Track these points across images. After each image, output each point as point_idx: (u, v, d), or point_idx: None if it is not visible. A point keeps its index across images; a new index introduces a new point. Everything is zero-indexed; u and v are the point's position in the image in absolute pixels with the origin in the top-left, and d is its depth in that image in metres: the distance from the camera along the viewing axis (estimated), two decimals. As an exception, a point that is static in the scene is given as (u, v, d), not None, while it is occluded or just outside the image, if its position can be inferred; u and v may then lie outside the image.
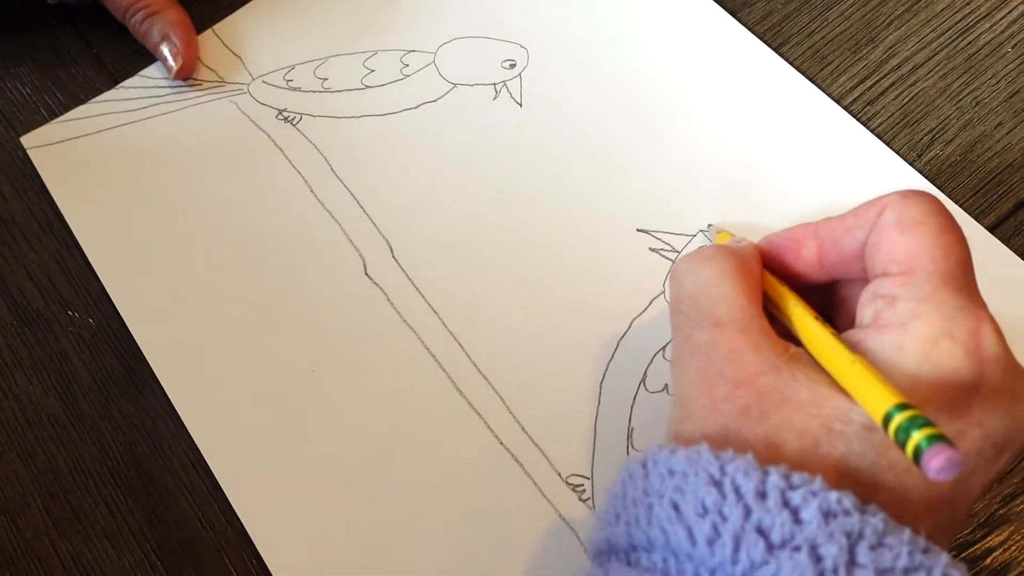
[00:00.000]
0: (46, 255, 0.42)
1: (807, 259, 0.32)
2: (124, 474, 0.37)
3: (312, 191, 0.42)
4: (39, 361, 0.40)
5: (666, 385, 0.36)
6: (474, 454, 0.36)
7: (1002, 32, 0.43)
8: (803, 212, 0.39)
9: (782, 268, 0.33)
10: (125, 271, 0.41)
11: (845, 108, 0.42)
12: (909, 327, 0.27)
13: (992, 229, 0.38)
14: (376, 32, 0.47)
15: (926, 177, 0.40)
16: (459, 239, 0.40)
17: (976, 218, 0.39)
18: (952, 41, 0.43)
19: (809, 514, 0.24)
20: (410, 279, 0.40)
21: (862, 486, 0.26)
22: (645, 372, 0.37)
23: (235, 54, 0.47)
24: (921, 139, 0.41)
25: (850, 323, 0.30)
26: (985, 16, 0.44)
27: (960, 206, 0.39)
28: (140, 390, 0.39)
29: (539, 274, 0.39)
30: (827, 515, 0.24)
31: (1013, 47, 0.43)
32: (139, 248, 0.41)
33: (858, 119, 0.41)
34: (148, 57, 0.47)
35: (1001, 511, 0.34)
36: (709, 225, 0.39)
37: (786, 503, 0.24)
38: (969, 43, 0.43)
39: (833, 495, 0.24)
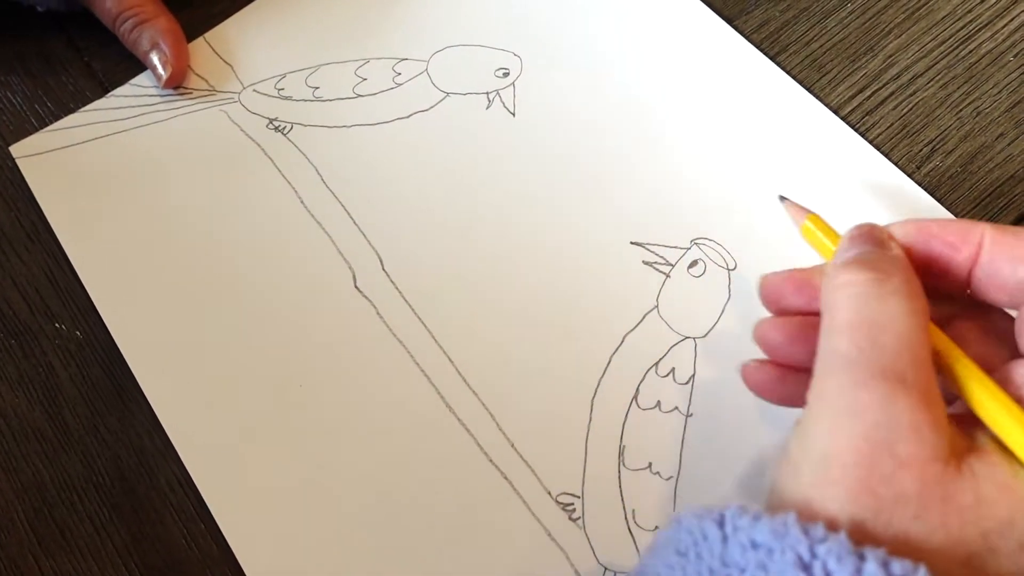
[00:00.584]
0: (34, 266, 0.42)
1: (959, 269, 0.27)
2: (109, 490, 0.37)
3: (302, 202, 0.42)
4: (25, 374, 0.39)
5: (658, 402, 0.36)
6: (462, 470, 0.35)
7: (1003, 41, 0.42)
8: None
9: (925, 277, 0.27)
10: (113, 283, 0.40)
11: (843, 118, 0.41)
12: None
13: (992, 243, 0.38)
14: (368, 40, 0.46)
15: (926, 189, 0.39)
16: (450, 251, 0.40)
17: (976, 231, 0.38)
18: (953, 50, 0.42)
19: None
20: (400, 292, 0.39)
21: None
22: (637, 389, 0.36)
23: (226, 62, 0.46)
24: (921, 150, 0.40)
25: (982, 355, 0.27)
26: (986, 25, 0.43)
27: (960, 218, 0.38)
28: (127, 404, 0.38)
29: (531, 287, 0.39)
30: None
31: (1015, 56, 0.42)
32: (127, 260, 0.41)
33: (856, 129, 0.41)
34: (139, 65, 0.46)
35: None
36: (783, 198, 0.34)
37: None
38: (970, 52, 0.42)
39: None
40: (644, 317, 0.37)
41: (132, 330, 0.39)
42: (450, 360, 0.37)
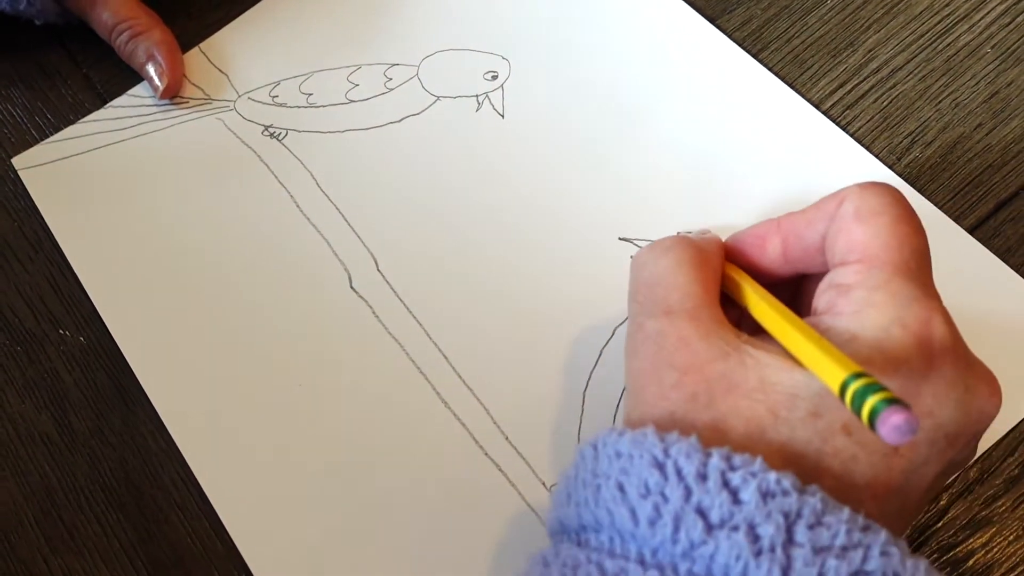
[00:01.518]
0: (37, 275, 0.43)
1: (772, 254, 0.32)
2: (115, 491, 0.38)
3: (298, 206, 0.43)
4: (31, 380, 0.40)
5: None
6: (459, 464, 0.36)
7: (980, 33, 0.43)
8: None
9: (749, 264, 0.33)
10: (115, 289, 0.41)
11: (824, 113, 0.42)
12: (862, 314, 0.28)
13: (972, 231, 0.39)
14: (359, 46, 0.47)
15: (906, 180, 0.40)
16: (443, 251, 0.41)
17: (956, 220, 0.39)
18: (931, 43, 0.43)
19: (748, 495, 0.24)
20: (395, 292, 0.40)
21: (806, 472, 0.26)
22: (627, 380, 0.37)
23: (221, 71, 0.47)
24: (901, 142, 0.41)
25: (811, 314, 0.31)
26: (963, 18, 0.44)
27: (940, 208, 0.39)
28: (130, 407, 0.39)
29: (522, 284, 0.39)
30: (765, 495, 0.24)
31: (992, 48, 0.43)
32: (129, 266, 0.42)
33: (837, 123, 0.41)
34: (136, 76, 0.47)
35: (983, 513, 0.34)
36: (693, 233, 0.39)
37: (726, 484, 0.25)
38: (948, 45, 0.43)
39: (772, 476, 0.24)
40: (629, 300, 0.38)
41: (135, 335, 0.40)
42: (444, 356, 0.38)
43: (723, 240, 0.34)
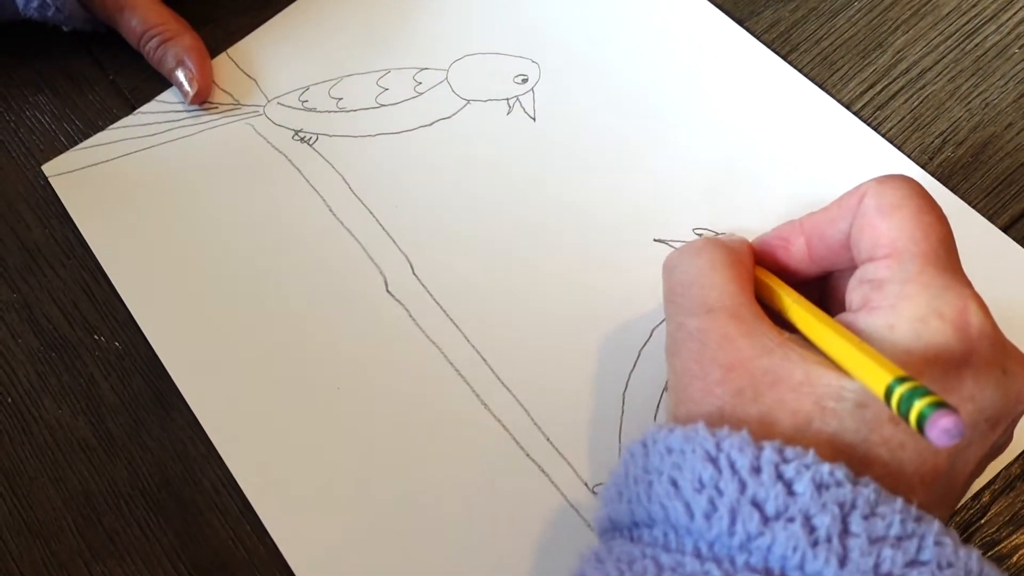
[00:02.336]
0: (71, 281, 0.43)
1: (797, 255, 0.33)
2: (155, 495, 0.38)
3: (331, 210, 0.43)
4: (67, 386, 0.40)
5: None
6: (501, 466, 0.36)
7: (1008, 33, 0.44)
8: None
9: (775, 266, 0.33)
10: (149, 294, 0.41)
11: (855, 113, 0.42)
12: (898, 308, 0.28)
13: (1006, 229, 0.39)
14: (389, 51, 0.47)
15: (938, 180, 0.40)
16: (478, 254, 0.41)
17: (990, 219, 0.39)
18: (959, 44, 0.44)
19: (802, 486, 0.25)
20: (431, 295, 0.40)
21: (855, 461, 0.26)
22: (667, 381, 0.37)
23: (250, 77, 0.47)
24: (932, 142, 0.41)
25: (842, 310, 0.31)
26: (991, 18, 0.44)
27: (973, 207, 0.39)
28: (168, 412, 0.39)
29: (559, 286, 0.40)
30: (820, 487, 0.24)
31: (1020, 48, 0.43)
32: (162, 271, 0.42)
33: (869, 124, 0.42)
34: (164, 82, 0.47)
35: (1025, 509, 0.34)
36: (694, 230, 0.40)
37: (780, 476, 0.25)
38: (976, 45, 0.43)
39: (825, 467, 0.25)
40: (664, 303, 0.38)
41: (170, 339, 0.40)
42: (483, 359, 0.38)
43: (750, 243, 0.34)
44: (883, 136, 0.41)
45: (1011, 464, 0.34)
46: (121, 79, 0.49)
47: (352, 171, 0.44)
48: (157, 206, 0.44)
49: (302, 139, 0.45)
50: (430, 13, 0.48)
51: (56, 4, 0.45)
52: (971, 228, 0.39)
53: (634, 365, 0.38)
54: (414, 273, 0.41)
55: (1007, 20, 0.44)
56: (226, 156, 0.45)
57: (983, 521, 0.34)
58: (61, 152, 0.46)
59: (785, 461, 0.25)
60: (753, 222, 0.40)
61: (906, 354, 0.27)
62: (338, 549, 0.35)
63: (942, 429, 0.23)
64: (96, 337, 0.41)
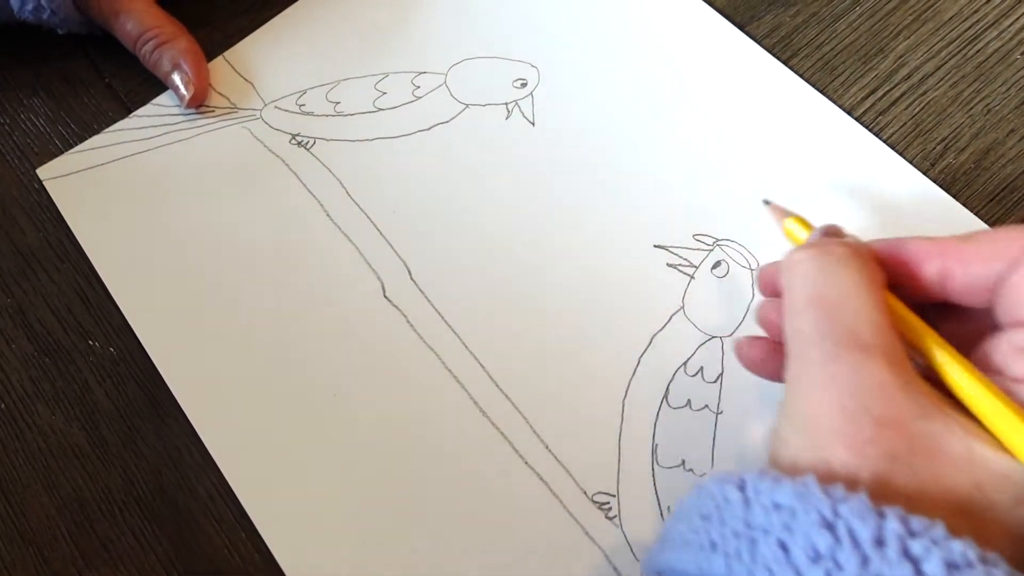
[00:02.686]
0: (65, 286, 0.42)
1: (929, 277, 0.29)
2: (150, 503, 0.37)
3: (328, 215, 0.42)
4: (61, 391, 0.40)
5: (688, 401, 0.36)
6: (499, 474, 0.36)
7: (1010, 39, 0.43)
8: (819, 223, 0.39)
9: (896, 282, 0.29)
10: (145, 299, 0.41)
11: (857, 119, 0.42)
12: None
13: (1008, 236, 0.39)
14: (386, 55, 0.47)
15: (941, 186, 0.40)
16: (476, 259, 0.41)
17: (992, 225, 0.39)
18: (961, 50, 0.43)
19: (932, 567, 0.22)
20: (429, 300, 0.40)
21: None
22: (667, 388, 0.37)
23: (247, 80, 0.47)
24: (934, 148, 0.41)
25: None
26: (992, 24, 0.44)
27: (976, 213, 0.39)
28: (163, 419, 0.39)
29: (557, 292, 0.39)
30: (951, 567, 0.22)
31: (1022, 54, 0.43)
32: (158, 276, 0.42)
33: (871, 130, 0.41)
34: (160, 85, 0.47)
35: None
36: (766, 202, 0.37)
37: (906, 552, 0.22)
38: (978, 51, 0.43)
39: (956, 545, 0.22)
40: (671, 318, 0.38)
41: (166, 345, 0.40)
42: (481, 366, 0.38)
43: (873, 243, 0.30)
44: (885, 142, 0.41)
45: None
46: (117, 82, 0.48)
47: (349, 175, 0.43)
48: (153, 210, 0.43)
49: (299, 143, 0.45)
50: (428, 17, 0.48)
51: (51, 7, 0.45)
52: (973, 235, 0.38)
53: (634, 372, 0.37)
54: (412, 278, 0.40)
55: (1009, 26, 0.44)
56: (223, 160, 0.45)
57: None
58: (56, 155, 0.46)
59: (911, 535, 0.22)
60: (753, 227, 0.40)
61: None
62: (333, 557, 0.35)
63: None
64: (90, 342, 0.41)
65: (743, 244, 0.39)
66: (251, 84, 0.47)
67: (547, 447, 0.36)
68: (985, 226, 0.39)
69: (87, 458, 0.39)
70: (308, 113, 0.46)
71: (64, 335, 0.41)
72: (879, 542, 0.22)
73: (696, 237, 0.40)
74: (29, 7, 0.45)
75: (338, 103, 0.46)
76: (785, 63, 0.44)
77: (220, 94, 0.47)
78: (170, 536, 0.37)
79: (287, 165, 0.44)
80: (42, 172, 0.45)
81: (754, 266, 0.39)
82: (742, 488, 0.25)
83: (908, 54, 0.44)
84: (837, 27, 0.45)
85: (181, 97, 0.46)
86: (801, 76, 0.43)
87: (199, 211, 0.43)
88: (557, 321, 0.39)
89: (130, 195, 0.44)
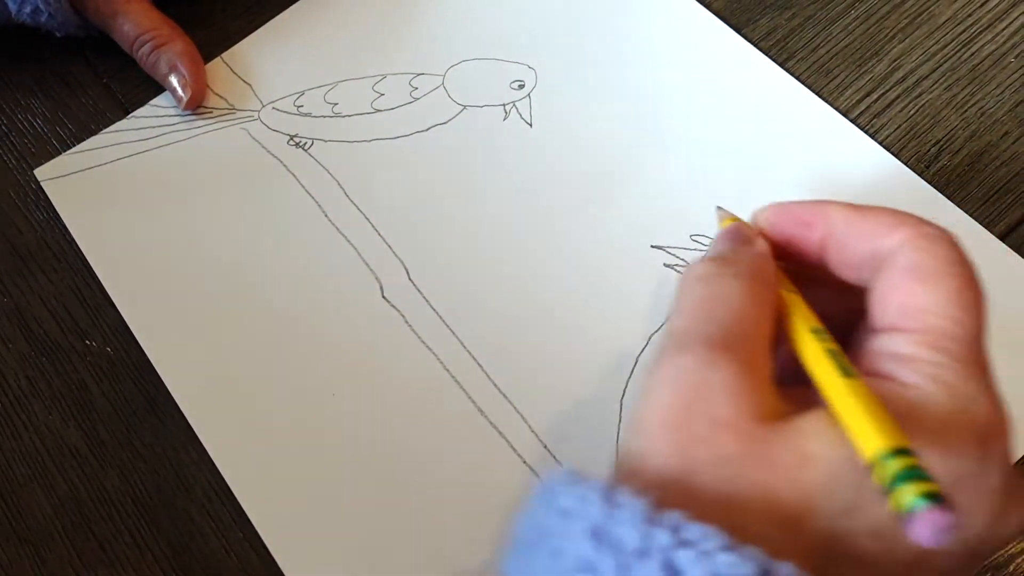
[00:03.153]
0: (62, 285, 0.42)
1: (813, 245, 0.28)
2: (147, 503, 0.37)
3: (326, 215, 0.43)
4: (58, 391, 0.40)
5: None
6: (498, 474, 0.36)
7: (1004, 43, 0.44)
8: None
9: (784, 255, 0.29)
10: (142, 299, 0.41)
11: (852, 121, 0.42)
12: (925, 393, 0.24)
13: (1003, 237, 0.39)
14: (384, 56, 0.47)
15: (935, 187, 0.40)
16: (474, 260, 0.41)
17: (986, 226, 0.39)
18: (955, 53, 0.44)
19: None
20: (427, 300, 0.40)
21: (822, 566, 0.23)
22: (665, 388, 0.37)
23: (245, 81, 0.47)
24: (929, 150, 0.41)
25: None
26: (987, 27, 0.44)
27: (970, 215, 0.39)
28: (160, 418, 0.39)
29: (556, 293, 0.39)
30: None
31: (1016, 57, 0.43)
32: (155, 276, 0.42)
33: (866, 132, 0.42)
34: (158, 86, 0.47)
35: None
36: (719, 208, 0.38)
37: (668, 565, 0.21)
38: (972, 54, 0.44)
39: (725, 558, 0.20)
40: (668, 318, 0.38)
41: (163, 345, 0.40)
42: (480, 366, 0.38)
43: (757, 218, 0.30)
44: (880, 144, 0.41)
45: (1010, 472, 0.34)
46: (115, 83, 0.48)
47: (348, 176, 0.44)
48: (150, 211, 0.43)
49: (297, 144, 0.45)
50: (427, 18, 0.48)
51: (49, 10, 0.45)
52: (968, 236, 0.38)
53: (631, 371, 0.37)
54: (410, 279, 0.41)
55: (1003, 29, 0.44)
56: (220, 161, 0.45)
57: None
58: (54, 156, 0.46)
59: (682, 544, 0.21)
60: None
61: (920, 447, 0.23)
62: (332, 557, 0.35)
63: (934, 526, 0.20)
64: (88, 342, 0.41)
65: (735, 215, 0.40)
66: (249, 85, 0.47)
67: (546, 447, 0.36)
68: (980, 227, 0.39)
69: (84, 458, 0.39)
70: (306, 114, 0.46)
71: (61, 335, 0.41)
72: (643, 553, 0.21)
73: (693, 238, 0.40)
74: (27, 9, 0.45)
75: (336, 104, 0.46)
76: (781, 65, 0.44)
77: (218, 95, 0.47)
78: (167, 536, 0.37)
79: (285, 166, 0.44)
80: (40, 173, 0.45)
81: (751, 267, 0.39)
82: (544, 492, 0.24)
83: (903, 57, 0.44)
84: (833, 30, 0.45)
85: (178, 99, 0.46)
86: (797, 78, 0.43)
87: (197, 212, 0.43)
88: (555, 321, 0.39)
89: (128, 196, 0.44)
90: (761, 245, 0.29)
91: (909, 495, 0.21)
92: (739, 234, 0.30)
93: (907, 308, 0.25)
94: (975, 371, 0.25)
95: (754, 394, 0.24)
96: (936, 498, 0.20)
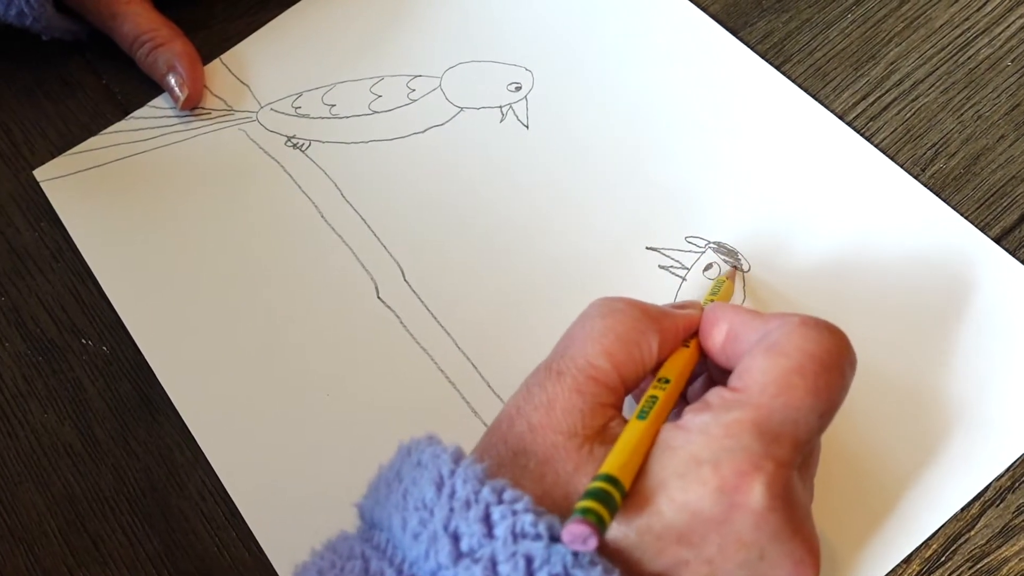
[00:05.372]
0: (59, 285, 0.43)
1: (716, 341, 0.31)
2: (141, 501, 0.37)
3: (323, 216, 0.43)
4: (53, 390, 0.40)
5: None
6: (490, 474, 0.36)
7: (1001, 47, 0.44)
8: (810, 227, 0.40)
9: (703, 343, 0.32)
10: (138, 299, 0.41)
11: (848, 124, 0.42)
12: (690, 437, 0.27)
13: (998, 240, 0.39)
14: (382, 58, 0.47)
15: (931, 191, 0.40)
16: (469, 261, 0.41)
17: (982, 230, 0.39)
18: (952, 56, 0.44)
19: (501, 530, 0.25)
20: (422, 301, 0.40)
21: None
22: (658, 389, 0.37)
23: (243, 82, 0.47)
24: (924, 153, 0.41)
25: None
26: (984, 31, 0.44)
27: (966, 218, 0.39)
28: (155, 417, 0.39)
29: (551, 294, 0.39)
30: (516, 535, 0.25)
31: (1012, 61, 0.43)
32: (152, 276, 0.42)
33: (862, 135, 0.42)
34: (157, 87, 0.47)
35: (1015, 521, 0.34)
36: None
37: (487, 516, 0.25)
38: (969, 58, 0.44)
39: (528, 518, 0.25)
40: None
41: (159, 343, 0.40)
42: (474, 366, 0.38)
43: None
44: (876, 147, 0.41)
45: (1001, 476, 0.34)
46: (114, 84, 0.49)
47: (344, 177, 0.44)
48: (148, 211, 0.44)
49: (295, 145, 0.45)
50: (424, 20, 0.48)
51: (33, 14, 0.45)
52: (963, 239, 0.39)
53: (625, 373, 0.37)
54: (405, 279, 0.41)
55: (1000, 33, 0.44)
56: (218, 161, 0.45)
57: (972, 533, 0.34)
58: (53, 156, 0.46)
59: (499, 503, 0.25)
60: (746, 230, 0.40)
61: (660, 484, 0.27)
62: (324, 556, 0.35)
63: (570, 531, 0.24)
64: (84, 341, 0.41)
65: (735, 247, 0.40)
66: (247, 87, 0.47)
67: (538, 447, 0.36)
68: (976, 231, 0.39)
69: (78, 456, 0.39)
70: (304, 115, 0.46)
71: (57, 334, 0.41)
72: (468, 503, 0.26)
73: (688, 239, 0.40)
74: (12, 12, 0.45)
75: (334, 106, 0.46)
76: (778, 68, 0.44)
77: (216, 96, 0.47)
78: (160, 534, 0.37)
79: (282, 167, 0.44)
80: (39, 173, 0.45)
81: (746, 269, 0.39)
82: (410, 448, 0.28)
83: (900, 60, 0.44)
84: (829, 33, 0.45)
85: (176, 99, 0.46)
86: (794, 81, 0.44)
87: (194, 212, 0.43)
88: (549, 322, 0.39)
89: (126, 196, 0.44)
90: (686, 313, 0.33)
91: (577, 505, 0.25)
92: (682, 304, 0.34)
93: (741, 371, 0.29)
94: (748, 437, 0.27)
95: (566, 413, 0.28)
96: (591, 515, 0.24)
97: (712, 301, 0.34)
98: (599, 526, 0.24)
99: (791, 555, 0.27)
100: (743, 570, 0.27)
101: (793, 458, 0.27)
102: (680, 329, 0.32)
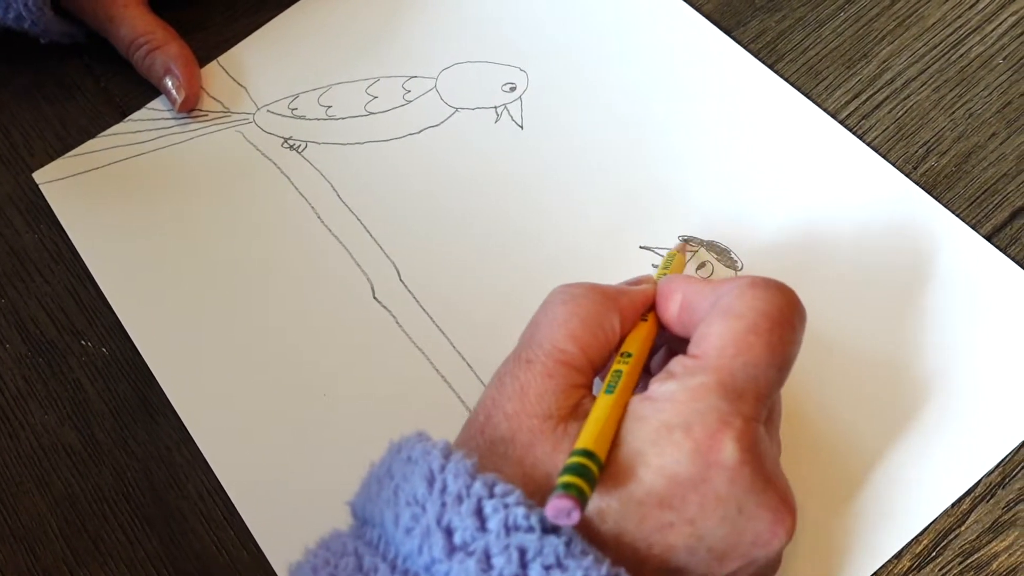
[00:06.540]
0: (59, 286, 0.43)
1: (671, 312, 0.32)
2: (140, 501, 0.38)
3: (319, 217, 0.43)
4: (53, 391, 0.41)
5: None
6: (485, 472, 0.36)
7: (993, 44, 0.44)
8: (803, 225, 0.40)
9: (659, 315, 0.33)
10: (137, 300, 0.42)
11: (841, 122, 0.42)
12: (659, 406, 0.28)
13: (989, 238, 0.39)
14: (377, 59, 0.47)
15: (923, 188, 0.40)
16: (465, 261, 0.41)
17: (973, 227, 0.39)
18: (944, 54, 0.44)
19: (494, 523, 0.25)
20: (418, 301, 0.40)
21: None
22: (651, 387, 0.37)
23: (240, 84, 0.48)
24: (916, 151, 0.42)
25: None
26: (975, 29, 0.44)
27: (957, 215, 0.40)
28: (154, 418, 0.39)
29: (545, 293, 0.40)
30: (509, 528, 0.25)
31: (1004, 59, 0.43)
32: (151, 277, 0.42)
33: (854, 133, 0.42)
34: (155, 89, 0.48)
35: (1005, 516, 0.34)
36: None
37: (479, 510, 0.26)
38: (961, 56, 0.44)
39: (520, 511, 0.25)
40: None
41: (158, 345, 0.40)
42: (470, 366, 0.39)
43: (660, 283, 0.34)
44: (868, 145, 0.42)
45: (991, 472, 0.35)
46: (113, 86, 0.49)
47: (340, 178, 0.44)
48: (146, 212, 0.44)
49: (291, 147, 0.45)
50: (419, 22, 0.48)
51: (31, 17, 0.45)
52: (954, 237, 0.39)
53: (618, 372, 0.38)
54: (401, 280, 0.41)
55: (991, 31, 0.44)
56: (215, 163, 0.45)
57: (962, 528, 0.34)
58: (51, 158, 0.46)
59: (491, 496, 0.26)
60: (739, 228, 0.40)
61: (637, 453, 0.27)
62: (322, 555, 0.35)
63: (554, 506, 0.25)
64: (83, 342, 0.41)
65: (728, 245, 0.40)
66: (244, 88, 0.48)
67: (532, 445, 0.36)
68: (967, 228, 0.39)
69: (78, 456, 0.39)
70: (300, 117, 0.46)
71: (57, 335, 0.42)
72: (460, 498, 0.26)
73: (681, 238, 0.40)
74: (11, 15, 0.45)
75: (330, 107, 0.46)
76: (771, 67, 0.44)
77: (213, 98, 0.48)
78: (160, 534, 0.37)
79: (279, 168, 0.45)
80: (38, 176, 0.46)
81: (739, 267, 0.39)
82: (400, 445, 0.29)
83: (892, 59, 0.44)
84: (822, 32, 0.45)
85: (173, 101, 0.47)
86: (786, 80, 0.44)
87: (192, 213, 0.44)
88: (543, 322, 0.39)
89: (125, 198, 0.45)
90: (641, 289, 0.33)
91: (557, 480, 0.25)
92: (636, 280, 0.35)
93: (699, 337, 0.29)
94: (713, 398, 0.28)
95: (538, 398, 0.29)
96: (573, 489, 0.25)
97: (665, 275, 0.35)
98: (580, 499, 0.25)
99: (766, 504, 0.28)
100: (724, 525, 0.27)
101: (758, 413, 0.28)
102: (638, 305, 0.33)
